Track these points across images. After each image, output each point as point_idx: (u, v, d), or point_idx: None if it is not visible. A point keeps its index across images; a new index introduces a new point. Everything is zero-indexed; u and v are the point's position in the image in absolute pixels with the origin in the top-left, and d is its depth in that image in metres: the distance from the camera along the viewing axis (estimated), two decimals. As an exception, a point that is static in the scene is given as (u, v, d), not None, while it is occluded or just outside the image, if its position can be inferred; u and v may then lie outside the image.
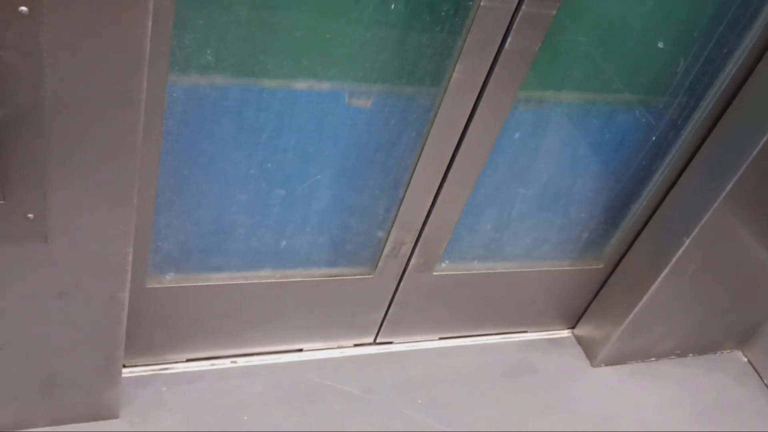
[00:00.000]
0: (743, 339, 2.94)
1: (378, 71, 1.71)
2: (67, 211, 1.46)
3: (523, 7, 1.64)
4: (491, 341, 2.65)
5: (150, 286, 1.94)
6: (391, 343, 2.50)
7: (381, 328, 2.44)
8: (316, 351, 2.38)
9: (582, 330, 2.76)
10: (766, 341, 2.89)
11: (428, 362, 2.49)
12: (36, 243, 1.49)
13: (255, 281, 2.07)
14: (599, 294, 2.65)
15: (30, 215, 1.44)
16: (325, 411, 2.21)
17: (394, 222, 2.08)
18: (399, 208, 2.04)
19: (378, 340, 2.48)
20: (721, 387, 2.79)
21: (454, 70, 1.72)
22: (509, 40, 1.69)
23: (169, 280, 1.97)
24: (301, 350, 2.36)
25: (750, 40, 2.00)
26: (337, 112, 1.78)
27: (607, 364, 2.70)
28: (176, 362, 2.19)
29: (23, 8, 1.14)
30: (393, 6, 1.59)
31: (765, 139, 2.04)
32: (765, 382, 2.87)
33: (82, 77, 1.26)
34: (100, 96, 1.30)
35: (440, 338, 2.58)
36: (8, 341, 1.69)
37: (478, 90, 1.80)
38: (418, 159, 1.92)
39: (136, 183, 1.47)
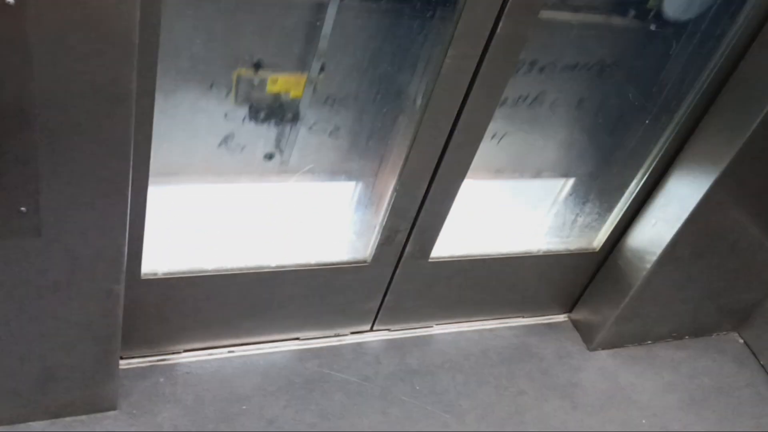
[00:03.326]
0: (739, 321, 2.95)
1: (370, 57, 1.71)
2: (61, 204, 1.46)
3: (515, -9, 1.64)
4: (488, 327, 2.65)
5: (145, 278, 1.94)
6: (388, 330, 2.51)
7: (378, 316, 2.44)
8: (314, 340, 2.39)
9: (578, 314, 2.77)
10: (762, 323, 2.90)
11: (426, 349, 2.50)
12: (30, 237, 1.49)
13: (250, 271, 2.07)
14: (595, 278, 2.66)
15: (23, 209, 1.43)
16: (323, 399, 2.22)
17: (389, 210, 2.07)
18: (393, 196, 2.04)
19: (375, 328, 2.48)
20: (718, 369, 2.80)
21: (445, 55, 1.72)
22: (501, 24, 1.68)
23: (164, 271, 1.97)
24: (298, 339, 2.36)
25: (743, 20, 1.99)
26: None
27: (603, 348, 2.71)
28: (174, 353, 2.19)
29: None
30: (383, -8, 1.59)
31: (758, 121, 2.04)
32: (761, 363, 2.88)
33: (71, 69, 1.25)
34: (91, 88, 1.29)
35: (437, 325, 2.59)
36: (4, 335, 1.69)
37: (471, 75, 1.79)
38: (412, 146, 1.91)
39: (129, 174, 1.47)
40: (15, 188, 1.39)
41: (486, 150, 2.04)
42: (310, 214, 2.08)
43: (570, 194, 2.36)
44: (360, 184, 2.06)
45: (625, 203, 2.42)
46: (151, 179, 1.69)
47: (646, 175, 2.33)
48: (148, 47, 1.42)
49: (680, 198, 2.27)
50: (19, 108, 1.27)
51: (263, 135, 1.79)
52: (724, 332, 2.98)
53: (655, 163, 2.30)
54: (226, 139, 1.75)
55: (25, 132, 1.31)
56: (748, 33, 2.01)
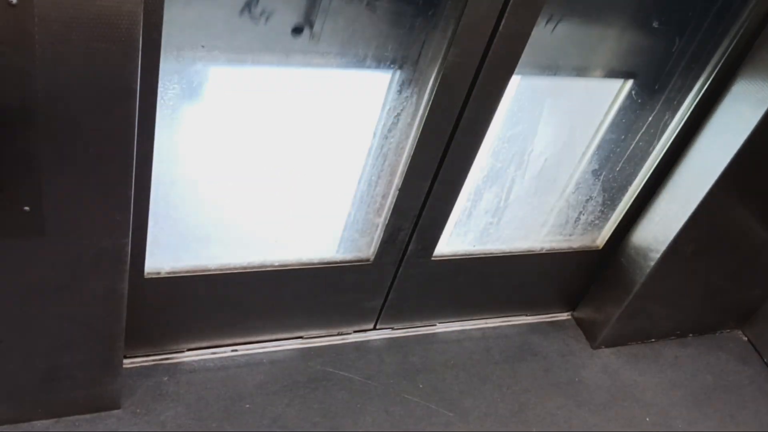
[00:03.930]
0: (743, 318, 2.95)
1: (371, 56, 1.70)
2: (64, 203, 1.46)
3: (517, -12, 1.62)
4: (491, 325, 2.65)
5: (148, 277, 1.94)
6: (391, 329, 2.51)
7: (381, 315, 2.44)
8: (317, 338, 2.39)
9: (582, 312, 2.77)
10: (766, 320, 2.89)
11: (429, 348, 2.50)
12: (33, 236, 1.49)
13: (254, 270, 2.07)
14: (598, 276, 2.66)
15: (26, 208, 1.43)
16: (326, 398, 2.22)
17: (391, 208, 2.07)
18: (396, 195, 2.04)
19: (378, 327, 2.48)
20: (721, 367, 2.80)
21: (448, 53, 1.71)
22: (503, 23, 1.68)
23: (168, 269, 1.97)
24: (301, 338, 2.37)
25: (744, 20, 1.99)
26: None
27: (607, 346, 2.71)
28: (177, 352, 2.20)
29: (13, -2, 1.14)
30: (386, -11, 1.57)
31: (760, 119, 2.04)
32: (765, 361, 2.88)
33: (74, 68, 1.25)
34: (94, 86, 1.29)
35: (440, 323, 2.59)
36: (7, 335, 1.69)
37: (473, 74, 1.79)
38: (414, 144, 1.91)
39: (132, 173, 1.47)
40: (18, 187, 1.39)
41: (538, 40, 1.80)
42: (341, 104, 1.85)
43: (575, 190, 2.36)
44: (397, 73, 1.80)
45: (629, 200, 2.42)
46: (163, 56, 1.49)
47: (650, 172, 2.33)
48: (150, 45, 1.42)
49: (684, 195, 2.27)
50: (22, 107, 1.27)
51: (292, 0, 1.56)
52: (728, 330, 2.98)
53: (658, 159, 2.30)
54: (248, 4, 1.52)
55: (28, 131, 1.31)
56: (751, 30, 2.01)
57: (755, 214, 2.40)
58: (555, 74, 1.99)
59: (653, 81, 2.10)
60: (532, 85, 2.00)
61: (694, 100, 2.15)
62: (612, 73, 2.06)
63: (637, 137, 2.24)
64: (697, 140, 2.22)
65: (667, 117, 2.21)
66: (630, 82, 2.10)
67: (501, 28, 1.69)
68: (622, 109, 2.15)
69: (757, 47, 2.03)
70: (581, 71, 2.02)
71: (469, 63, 1.75)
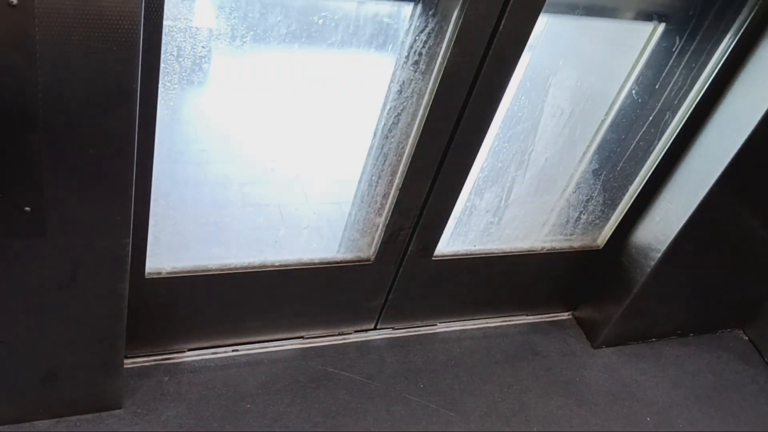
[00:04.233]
0: (744, 318, 2.94)
1: (372, 52, 1.70)
2: (65, 203, 1.46)
3: (517, -12, 1.62)
4: (492, 325, 2.65)
5: (149, 277, 1.94)
6: (392, 328, 2.51)
7: (381, 315, 2.44)
8: (318, 338, 2.39)
9: (582, 312, 2.77)
10: (767, 320, 2.89)
11: (429, 347, 2.50)
12: (34, 236, 1.49)
13: (254, 269, 2.07)
14: (599, 276, 2.65)
15: (27, 208, 1.44)
16: (327, 398, 2.22)
17: (392, 208, 2.07)
18: (396, 194, 2.04)
19: (379, 326, 2.48)
20: (722, 366, 2.80)
21: (448, 53, 1.71)
22: (503, 23, 1.68)
23: (169, 269, 1.97)
24: (302, 338, 2.37)
25: (744, 20, 1.99)
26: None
27: (608, 346, 2.71)
28: (178, 352, 2.20)
29: (13, -1, 1.14)
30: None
31: (760, 117, 2.04)
32: (766, 360, 2.88)
33: (74, 68, 1.25)
34: (94, 87, 1.29)
35: (441, 323, 2.59)
36: (9, 335, 1.69)
37: (474, 74, 1.79)
38: (415, 144, 1.91)
39: (132, 173, 1.47)
40: (19, 188, 1.40)
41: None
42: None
43: (575, 190, 2.36)
44: (419, 7, 1.70)
45: (629, 200, 2.42)
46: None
47: (650, 172, 2.33)
48: (151, 47, 1.42)
49: (684, 195, 2.27)
50: (23, 107, 1.27)
51: None
52: (729, 329, 2.97)
53: (659, 159, 2.30)
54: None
55: (29, 131, 1.31)
56: (750, 30, 2.01)
57: (755, 214, 2.40)
58: (583, 14, 1.85)
59: (684, 26, 2.00)
60: (558, 28, 1.90)
61: (699, 94, 2.15)
62: (642, 15, 1.95)
63: (640, 134, 2.24)
64: (697, 139, 2.22)
65: (667, 117, 2.21)
66: (661, 27, 1.99)
67: (501, 27, 1.69)
68: (651, 61, 2.06)
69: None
70: (610, 12, 1.91)
71: (469, 62, 1.76)
